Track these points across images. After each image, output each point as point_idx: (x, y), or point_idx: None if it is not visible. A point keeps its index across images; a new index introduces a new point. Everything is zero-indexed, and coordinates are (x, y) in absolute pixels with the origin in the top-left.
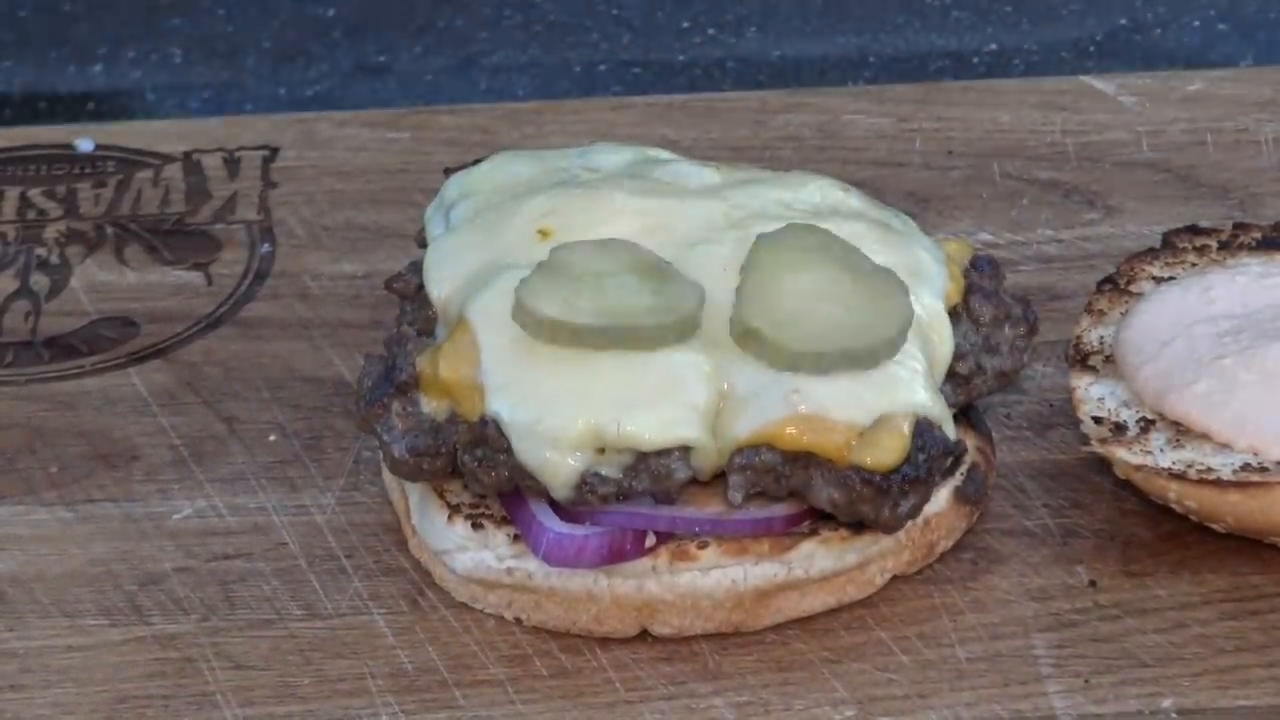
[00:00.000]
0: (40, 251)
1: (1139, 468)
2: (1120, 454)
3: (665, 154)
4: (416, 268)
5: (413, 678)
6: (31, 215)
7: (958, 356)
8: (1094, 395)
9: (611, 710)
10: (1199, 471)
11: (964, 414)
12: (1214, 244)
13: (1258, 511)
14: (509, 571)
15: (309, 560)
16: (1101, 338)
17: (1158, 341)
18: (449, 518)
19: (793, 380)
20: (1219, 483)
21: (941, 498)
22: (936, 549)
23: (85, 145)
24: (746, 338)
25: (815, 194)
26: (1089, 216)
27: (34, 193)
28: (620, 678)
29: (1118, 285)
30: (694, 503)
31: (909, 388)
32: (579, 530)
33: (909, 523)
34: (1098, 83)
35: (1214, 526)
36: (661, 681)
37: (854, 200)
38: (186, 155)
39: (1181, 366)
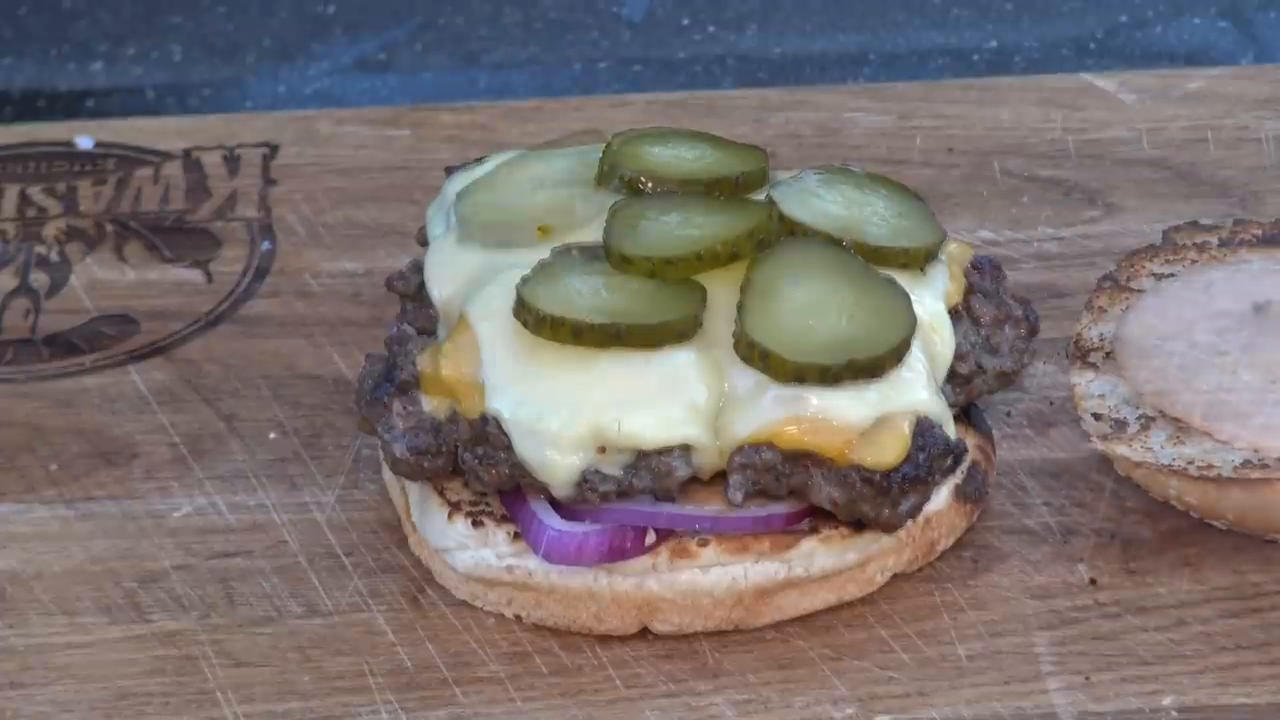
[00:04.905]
0: (40, 249)
1: (1139, 465)
2: (1121, 451)
3: None
4: (417, 266)
5: (413, 675)
6: (31, 213)
7: (958, 357)
8: (1094, 392)
9: (612, 708)
10: (1199, 468)
11: (964, 412)
12: (1214, 241)
13: (1258, 508)
14: (509, 569)
15: (309, 558)
16: (1102, 335)
17: (1158, 338)
18: (449, 515)
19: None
20: (1219, 480)
21: (942, 496)
22: (937, 547)
23: (85, 143)
24: (750, 352)
25: None
26: (1089, 214)
27: (34, 190)
28: (620, 675)
29: (1118, 282)
30: (694, 501)
31: (910, 388)
32: (579, 528)
33: (909, 521)
34: (1098, 80)
35: (1215, 524)
36: (662, 679)
37: None
38: (186, 153)
39: (1182, 363)
